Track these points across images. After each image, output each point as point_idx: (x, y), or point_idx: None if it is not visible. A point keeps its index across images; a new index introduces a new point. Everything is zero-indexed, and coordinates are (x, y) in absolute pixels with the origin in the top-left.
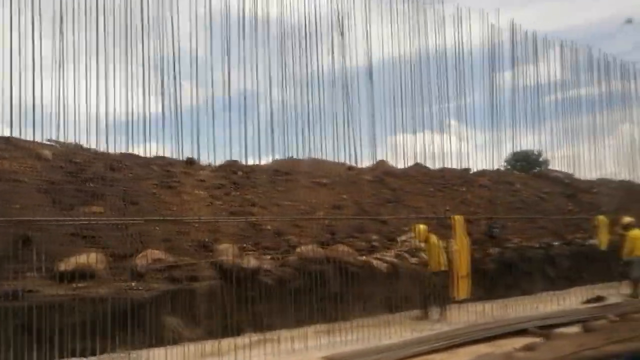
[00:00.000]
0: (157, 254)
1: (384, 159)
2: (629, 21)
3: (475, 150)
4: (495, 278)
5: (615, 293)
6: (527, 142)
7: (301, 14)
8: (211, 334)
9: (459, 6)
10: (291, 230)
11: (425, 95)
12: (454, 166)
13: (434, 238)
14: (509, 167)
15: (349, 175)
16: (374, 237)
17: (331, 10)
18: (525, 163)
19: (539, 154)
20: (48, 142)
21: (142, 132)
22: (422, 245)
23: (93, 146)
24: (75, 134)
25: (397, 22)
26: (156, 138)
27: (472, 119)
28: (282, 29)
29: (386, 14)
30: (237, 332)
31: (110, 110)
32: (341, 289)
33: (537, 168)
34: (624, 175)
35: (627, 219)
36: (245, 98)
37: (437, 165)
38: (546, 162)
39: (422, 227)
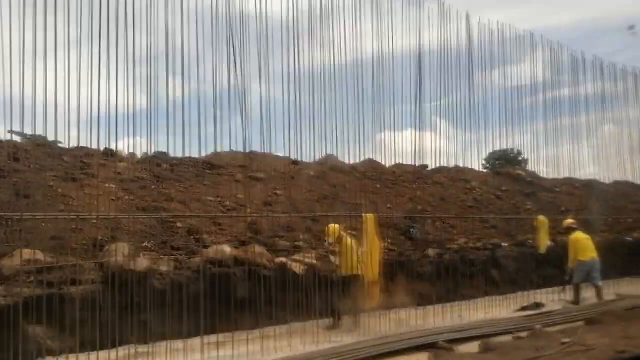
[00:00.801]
0: (31, 253)
1: (372, 157)
2: (632, 27)
3: (456, 148)
4: (434, 282)
5: (557, 299)
6: (513, 141)
7: (284, 9)
8: (85, 346)
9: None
10: (209, 229)
11: (408, 93)
12: (438, 165)
13: (347, 239)
14: (487, 165)
15: (290, 170)
16: (302, 236)
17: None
18: (504, 162)
19: (518, 153)
20: None
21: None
22: (335, 246)
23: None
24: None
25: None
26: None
27: (456, 117)
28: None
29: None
30: (117, 343)
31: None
32: (250, 295)
33: (517, 167)
34: (603, 175)
35: (567, 221)
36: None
37: (418, 163)
38: (525, 161)
39: (333, 226)
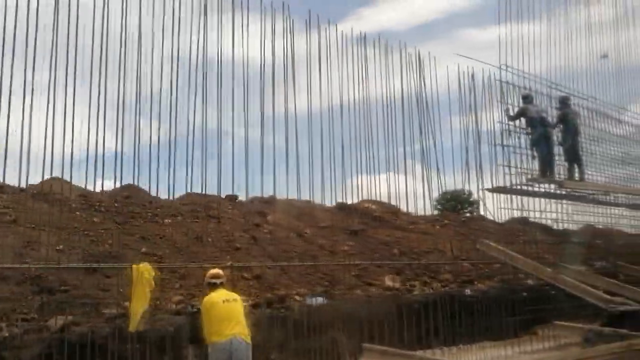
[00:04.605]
0: None
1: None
2: (604, 56)
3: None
4: None
5: None
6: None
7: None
8: None
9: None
10: None
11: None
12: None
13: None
14: (439, 206)
15: None
16: None
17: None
18: (455, 203)
19: (469, 194)
20: None
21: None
22: None
23: None
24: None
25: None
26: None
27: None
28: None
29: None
30: None
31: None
32: None
33: (468, 208)
34: None
35: (212, 272)
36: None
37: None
38: (477, 202)
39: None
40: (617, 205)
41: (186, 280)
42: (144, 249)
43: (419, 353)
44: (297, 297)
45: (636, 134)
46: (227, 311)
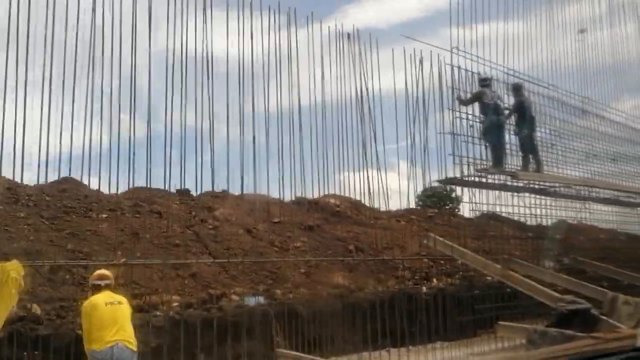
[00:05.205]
0: None
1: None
2: (583, 30)
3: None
4: None
5: None
6: None
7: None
8: None
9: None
10: None
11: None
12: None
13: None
14: (420, 203)
15: None
16: None
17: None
18: (436, 199)
19: (450, 191)
20: None
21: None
22: None
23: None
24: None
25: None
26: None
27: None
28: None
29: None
30: None
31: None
32: None
33: (449, 205)
34: None
35: (97, 272)
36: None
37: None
38: (457, 198)
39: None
40: (583, 199)
41: (116, 280)
42: (69, 246)
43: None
44: (234, 297)
45: (622, 131)
46: (110, 315)
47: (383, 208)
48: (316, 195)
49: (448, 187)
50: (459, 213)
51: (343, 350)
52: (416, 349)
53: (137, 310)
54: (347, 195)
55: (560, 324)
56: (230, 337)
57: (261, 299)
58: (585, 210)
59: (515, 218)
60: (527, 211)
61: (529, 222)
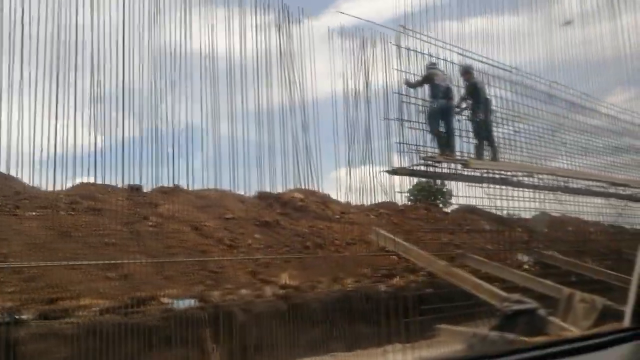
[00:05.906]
0: None
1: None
2: (568, 22)
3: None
4: None
5: None
6: None
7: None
8: None
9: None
10: None
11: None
12: None
13: None
14: (411, 197)
15: None
16: None
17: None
18: (427, 194)
19: (442, 185)
20: None
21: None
22: None
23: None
24: None
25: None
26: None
27: None
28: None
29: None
30: None
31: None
32: None
33: (440, 199)
34: None
35: None
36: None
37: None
38: (449, 192)
39: None
40: (552, 189)
41: (35, 283)
42: None
43: None
44: (164, 300)
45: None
46: None
47: (356, 202)
48: (282, 190)
49: (438, 182)
50: (440, 207)
51: (287, 356)
52: (367, 352)
53: (40, 317)
54: (316, 189)
55: (504, 326)
56: (156, 345)
57: (192, 302)
58: (566, 202)
59: (493, 212)
60: (505, 204)
61: (508, 216)
